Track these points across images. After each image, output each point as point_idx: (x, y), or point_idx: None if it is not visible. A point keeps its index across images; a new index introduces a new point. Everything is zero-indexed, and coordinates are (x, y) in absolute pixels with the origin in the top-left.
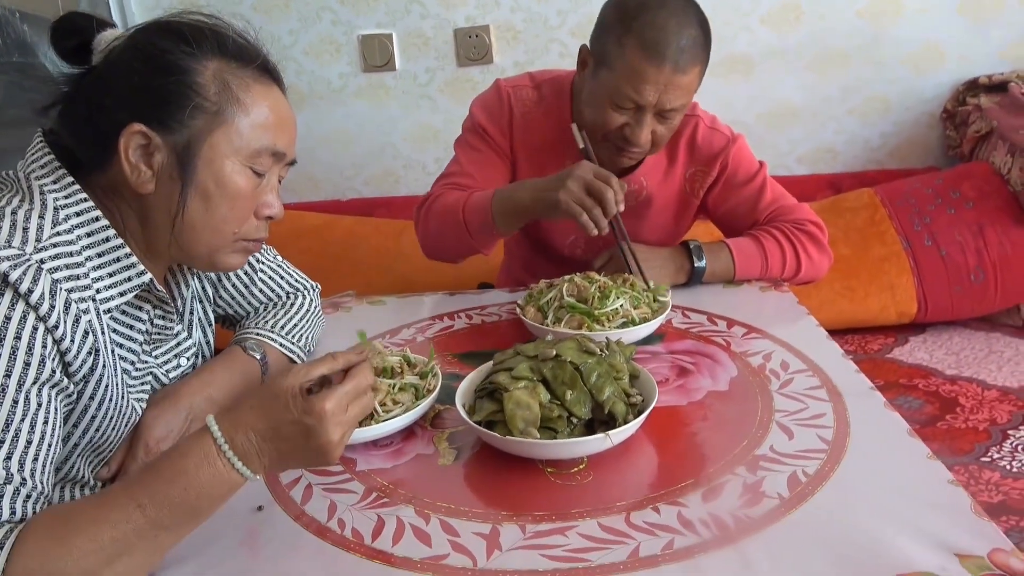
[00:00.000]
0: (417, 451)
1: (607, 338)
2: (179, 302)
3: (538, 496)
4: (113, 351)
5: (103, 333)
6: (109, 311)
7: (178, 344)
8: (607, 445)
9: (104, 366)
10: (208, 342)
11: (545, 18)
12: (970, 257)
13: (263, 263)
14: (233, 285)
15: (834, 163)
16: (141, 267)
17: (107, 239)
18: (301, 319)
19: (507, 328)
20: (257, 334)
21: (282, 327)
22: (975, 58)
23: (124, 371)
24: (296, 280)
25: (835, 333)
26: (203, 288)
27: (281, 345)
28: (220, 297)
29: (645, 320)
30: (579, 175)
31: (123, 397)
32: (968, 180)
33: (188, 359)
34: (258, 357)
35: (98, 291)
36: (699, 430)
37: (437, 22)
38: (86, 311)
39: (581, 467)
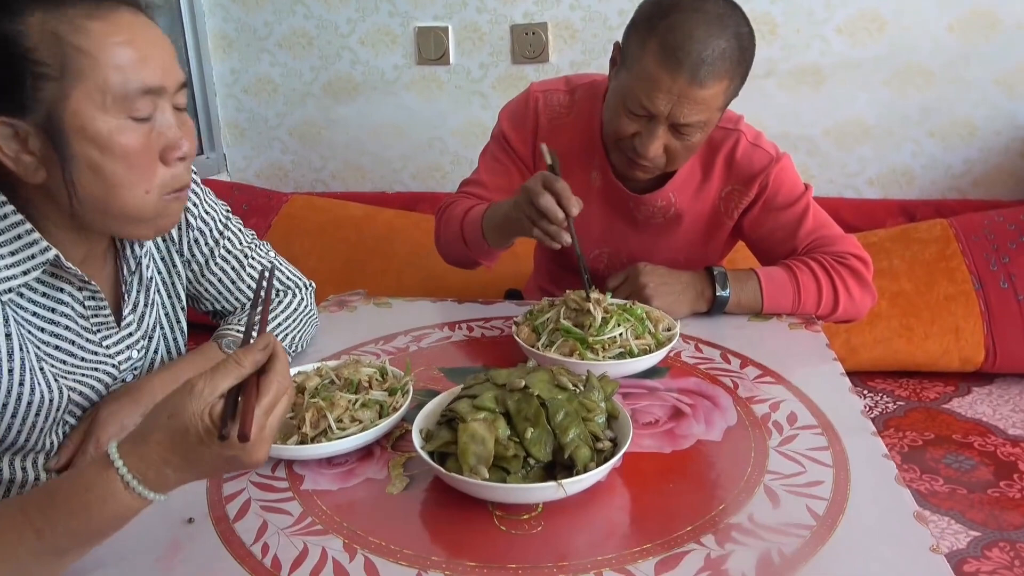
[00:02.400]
0: (369, 474)
1: (588, 372)
2: (124, 289)
3: (478, 542)
4: (20, 334)
5: (2, 308)
6: (12, 290)
7: (130, 335)
8: (559, 495)
9: (8, 337)
10: (175, 338)
11: (605, 17)
12: None
13: (252, 257)
14: (219, 279)
15: (909, 188)
16: (44, 244)
17: (4, 216)
18: (287, 318)
19: (505, 344)
20: (237, 331)
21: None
22: None
23: (49, 355)
24: (288, 277)
25: (888, 375)
26: (172, 281)
27: None
28: (206, 291)
29: (645, 352)
30: (525, 185)
31: (40, 383)
32: None
33: (139, 351)
34: None
35: None
36: (676, 484)
37: (494, 17)
38: None
39: (534, 513)
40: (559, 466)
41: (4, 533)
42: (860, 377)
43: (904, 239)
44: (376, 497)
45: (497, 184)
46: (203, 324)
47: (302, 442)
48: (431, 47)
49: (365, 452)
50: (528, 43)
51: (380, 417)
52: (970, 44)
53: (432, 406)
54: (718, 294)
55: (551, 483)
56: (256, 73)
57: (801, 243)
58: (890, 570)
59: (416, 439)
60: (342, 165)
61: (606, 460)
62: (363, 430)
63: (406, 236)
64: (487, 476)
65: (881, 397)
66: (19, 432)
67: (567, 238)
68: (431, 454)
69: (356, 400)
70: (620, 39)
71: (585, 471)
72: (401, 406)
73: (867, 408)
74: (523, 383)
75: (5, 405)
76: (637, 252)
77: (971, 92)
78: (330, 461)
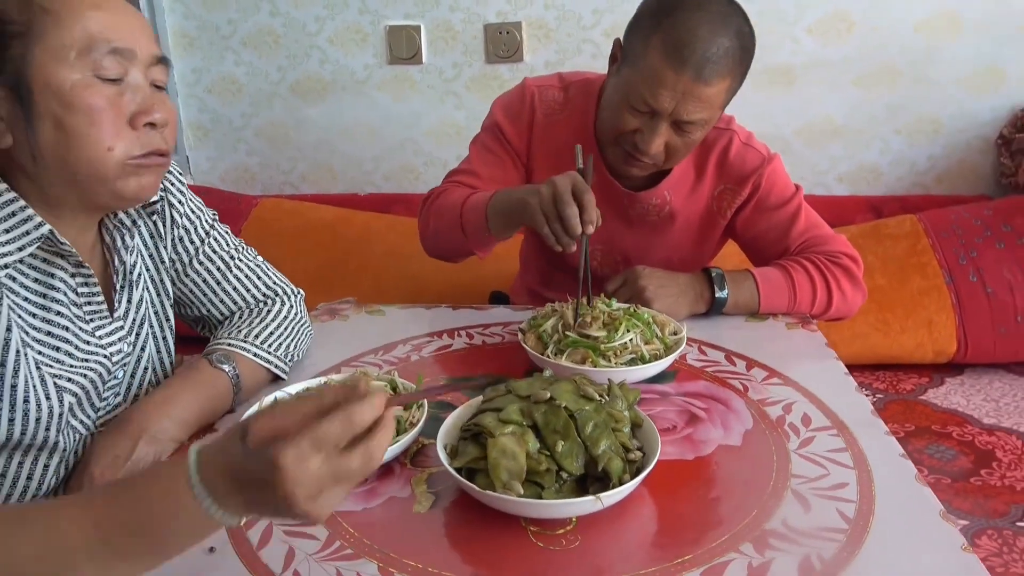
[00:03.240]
0: (392, 493)
1: (609, 380)
2: (115, 279)
3: (515, 559)
4: (17, 313)
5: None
6: (7, 267)
7: (121, 327)
8: (596, 508)
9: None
10: (164, 336)
11: (579, 17)
12: (1019, 297)
13: (239, 260)
14: (203, 279)
15: (877, 185)
16: (39, 219)
17: None
18: (279, 326)
19: (509, 352)
20: (229, 344)
21: (256, 335)
22: None
23: (37, 340)
24: (275, 283)
25: (866, 369)
26: (160, 278)
27: (255, 355)
28: (191, 292)
29: (656, 357)
30: (555, 181)
31: (25, 365)
32: (1021, 213)
33: (130, 344)
34: (226, 369)
35: None
36: (705, 492)
37: (467, 16)
38: None
39: (569, 528)
40: (591, 478)
41: (62, 520)
42: None
43: (875, 235)
44: (403, 517)
45: (491, 175)
46: (195, 338)
47: None
48: (403, 46)
49: (384, 469)
50: (502, 42)
51: (397, 433)
52: (935, 45)
53: (452, 420)
54: (717, 295)
55: (589, 497)
56: (220, 72)
57: (794, 243)
58: (928, 572)
59: (442, 456)
60: (311, 167)
61: (638, 470)
62: None
63: (382, 238)
64: (522, 492)
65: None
66: (30, 427)
67: (573, 247)
68: (458, 470)
69: None
70: (621, 36)
71: (620, 483)
72: (419, 420)
73: None
74: (548, 394)
75: (17, 390)
76: (631, 250)
77: (936, 91)
78: None
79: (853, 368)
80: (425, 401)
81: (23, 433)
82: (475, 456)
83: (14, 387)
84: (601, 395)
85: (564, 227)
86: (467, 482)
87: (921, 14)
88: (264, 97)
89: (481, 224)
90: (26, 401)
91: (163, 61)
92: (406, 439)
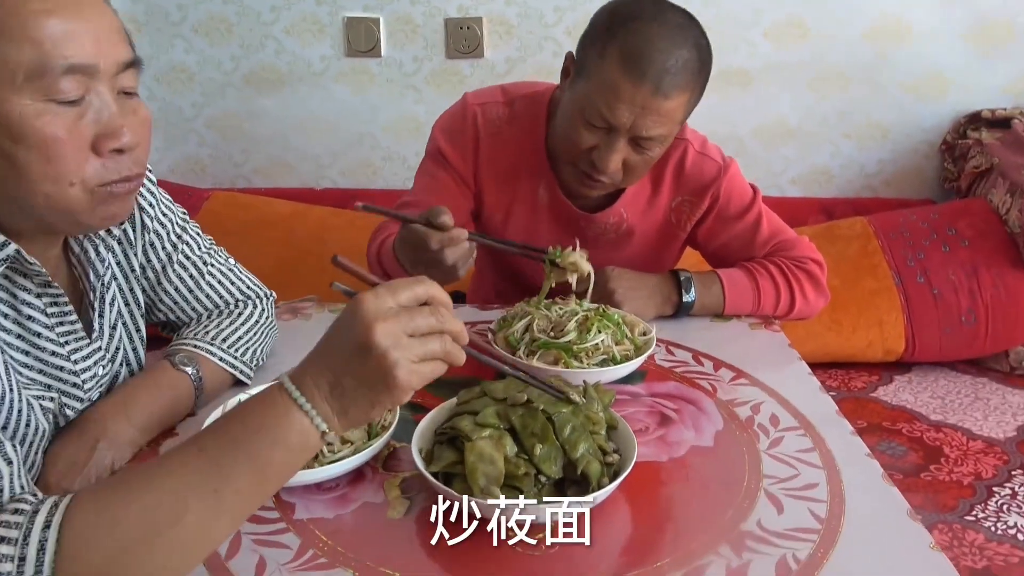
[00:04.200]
0: (365, 498)
1: (584, 382)
2: (91, 297)
3: (492, 565)
4: None
5: None
6: None
7: (99, 348)
8: (583, 511)
9: None
10: (135, 348)
11: (541, 14)
12: (963, 298)
13: (212, 264)
14: (176, 288)
15: (828, 187)
16: (2, 237)
17: None
18: (248, 331)
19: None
20: (194, 346)
21: (223, 339)
22: (979, 90)
23: (10, 364)
24: (248, 287)
25: (818, 367)
26: (131, 287)
27: (220, 359)
28: (161, 300)
29: (627, 358)
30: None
31: (10, 389)
32: (965, 217)
33: (105, 367)
34: (189, 372)
35: None
36: (679, 493)
37: (428, 9)
38: None
39: (546, 532)
40: (569, 482)
41: (169, 458)
42: None
43: (829, 236)
44: (378, 523)
45: (425, 202)
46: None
47: None
48: (361, 38)
49: (356, 474)
50: (463, 37)
51: (369, 436)
52: (883, 50)
53: (426, 423)
54: (684, 300)
55: (574, 499)
56: (169, 60)
57: (759, 251)
58: (898, 571)
59: (418, 461)
60: (265, 160)
61: (615, 473)
62: (355, 452)
63: (340, 235)
64: (500, 496)
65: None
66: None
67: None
68: (435, 475)
69: None
70: (573, 49)
71: (599, 486)
72: (390, 424)
73: None
74: (525, 396)
75: None
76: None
77: (884, 96)
78: (320, 486)
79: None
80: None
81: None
82: (452, 460)
83: (4, 409)
84: (580, 396)
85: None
86: (446, 488)
87: (869, 21)
88: (216, 87)
89: (399, 269)
90: (28, 425)
91: (134, 64)
92: (378, 443)
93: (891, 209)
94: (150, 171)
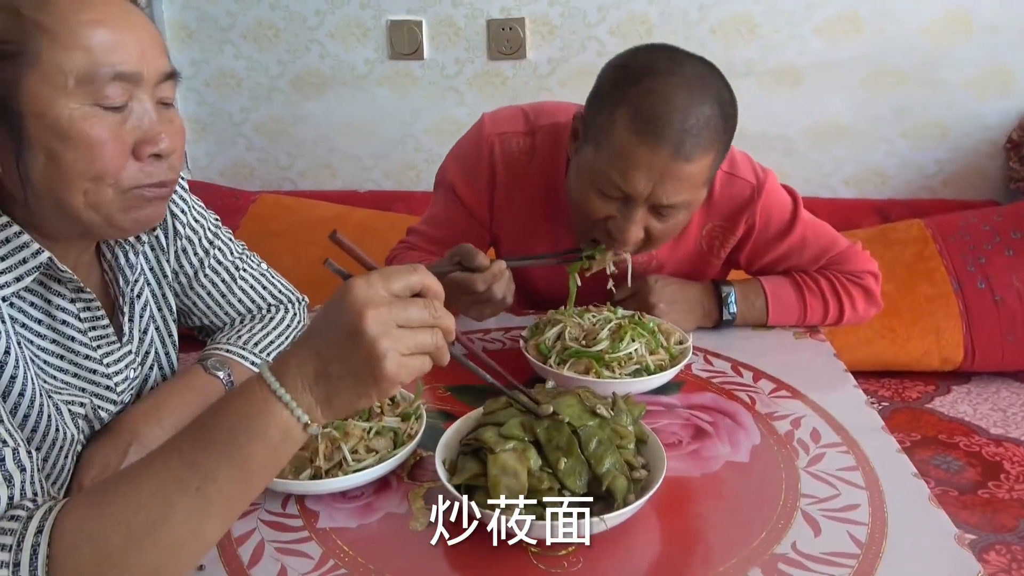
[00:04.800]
0: (388, 508)
1: (614, 394)
2: (121, 302)
3: None
4: (20, 343)
5: (3, 322)
6: (6, 299)
7: (130, 352)
8: (600, 529)
9: (7, 352)
10: (168, 352)
11: (584, 13)
12: None
13: (244, 269)
14: (208, 292)
15: (883, 188)
16: (36, 246)
17: None
18: (280, 335)
19: (509, 359)
20: (227, 350)
21: (256, 343)
22: None
23: (43, 369)
24: (280, 291)
25: (871, 376)
26: (163, 292)
27: (253, 364)
28: (194, 305)
29: (661, 368)
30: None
31: (40, 394)
32: None
33: (136, 369)
34: (221, 377)
35: None
36: (711, 512)
37: (470, 11)
38: None
39: (571, 549)
40: (595, 497)
41: (151, 461)
42: None
43: (883, 240)
44: (399, 534)
45: (445, 238)
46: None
47: (315, 476)
48: (404, 41)
49: (381, 483)
50: (505, 39)
51: (395, 445)
52: (943, 46)
53: (451, 433)
54: (724, 316)
55: (595, 519)
56: (219, 66)
57: (811, 268)
58: None
59: (441, 472)
60: (310, 163)
61: (643, 489)
62: (380, 461)
63: (381, 237)
64: (523, 511)
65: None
66: (45, 459)
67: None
68: (457, 487)
69: (370, 428)
70: (616, 47)
71: (625, 503)
72: (416, 432)
73: None
74: (551, 408)
75: (24, 417)
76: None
77: (943, 94)
78: (345, 495)
79: (858, 375)
80: (423, 412)
81: (45, 460)
82: (475, 473)
83: (33, 415)
84: (607, 409)
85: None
86: (469, 502)
87: (929, 16)
88: (263, 91)
89: None
90: (57, 430)
91: (172, 76)
92: (404, 452)
93: (951, 211)
94: (183, 178)
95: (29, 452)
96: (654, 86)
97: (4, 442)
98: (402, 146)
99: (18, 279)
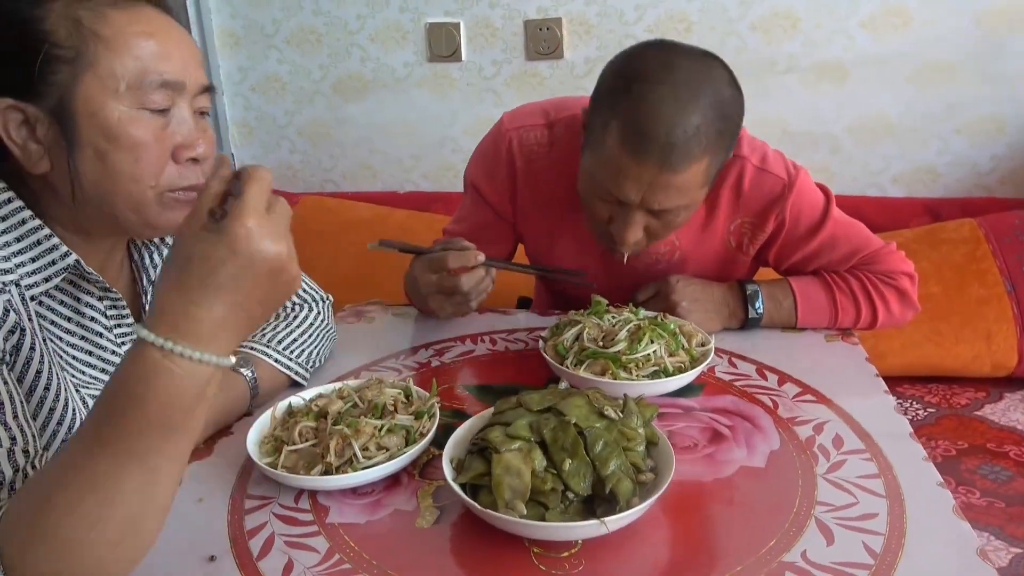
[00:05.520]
0: (397, 505)
1: (625, 395)
2: (144, 300)
3: None
4: (45, 340)
5: (31, 320)
6: (35, 298)
7: None
8: (601, 532)
9: (32, 348)
10: None
11: (621, 12)
12: None
13: None
14: None
15: (934, 186)
16: (64, 248)
17: (23, 221)
18: (303, 333)
19: (531, 359)
20: (251, 348)
21: (279, 341)
22: None
23: (71, 364)
24: (304, 290)
25: (917, 381)
26: None
27: (276, 360)
28: None
29: (680, 370)
30: (419, 285)
31: (65, 389)
32: None
33: None
34: (245, 374)
35: (20, 276)
36: (721, 516)
37: (507, 12)
38: (3, 291)
39: (574, 551)
40: (599, 499)
41: (71, 444)
42: (888, 383)
43: (931, 240)
44: (405, 531)
45: (473, 236)
46: None
47: (327, 472)
48: (442, 43)
49: (392, 480)
50: (542, 39)
51: (407, 443)
52: (998, 37)
53: (462, 432)
54: (750, 316)
55: (593, 521)
56: (264, 71)
57: (842, 268)
58: None
59: (447, 470)
60: (352, 164)
61: (648, 493)
62: (390, 458)
63: (419, 238)
64: (524, 512)
65: (911, 404)
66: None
67: (490, 280)
68: (463, 486)
69: (382, 426)
70: (613, 67)
71: (628, 506)
72: (428, 431)
73: None
74: (559, 409)
75: (50, 411)
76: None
77: (998, 87)
78: (355, 491)
79: (904, 380)
80: (437, 410)
81: (59, 423)
82: (480, 472)
83: (59, 409)
84: (616, 411)
85: (464, 295)
86: (469, 499)
87: (982, 7)
88: (306, 95)
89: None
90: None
91: (208, 89)
92: (414, 450)
93: (1007, 210)
94: None
95: (26, 451)
96: (643, 95)
97: None
98: (440, 147)
99: (47, 279)
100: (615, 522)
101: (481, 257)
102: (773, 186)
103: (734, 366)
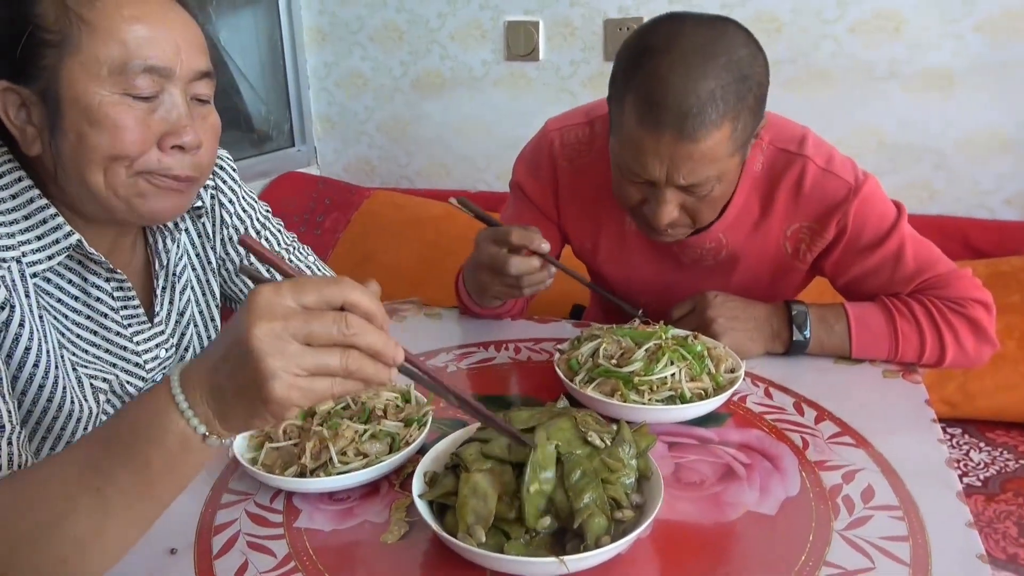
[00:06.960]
0: (369, 516)
1: (620, 421)
2: (155, 284)
3: None
4: (42, 317)
5: (27, 296)
6: (36, 275)
7: (161, 332)
8: (560, 572)
9: (22, 325)
10: (210, 336)
11: (703, 10)
12: None
13: (292, 260)
14: (245, 282)
15: None
16: (68, 228)
17: (31, 200)
18: None
19: (548, 372)
20: None
21: None
22: None
23: (74, 342)
24: None
25: (1012, 427)
26: (207, 279)
27: None
28: (241, 292)
29: (700, 397)
30: (482, 258)
31: (56, 367)
32: None
33: (168, 350)
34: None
35: (24, 253)
36: (713, 568)
37: (587, 11)
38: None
39: None
40: (569, 533)
41: (61, 459)
42: (977, 427)
43: None
44: (369, 544)
45: None
46: None
47: (301, 474)
48: (520, 42)
49: (370, 489)
50: (622, 39)
51: (391, 451)
52: None
53: (443, 445)
54: (795, 338)
55: (551, 559)
56: (348, 67)
57: (902, 289)
58: None
59: (417, 484)
60: (427, 162)
61: (624, 533)
62: (366, 465)
63: None
64: (483, 540)
65: (1000, 453)
66: (48, 424)
67: (548, 275)
68: (430, 503)
69: (365, 431)
70: (627, 45)
71: (596, 545)
72: (415, 440)
73: (982, 465)
74: (535, 440)
75: (39, 388)
76: (687, 296)
77: None
78: (332, 496)
79: (996, 425)
80: (429, 419)
81: (63, 430)
82: (448, 490)
83: (48, 386)
84: (603, 438)
85: (524, 280)
86: (433, 517)
87: None
88: (386, 92)
89: (474, 304)
90: (72, 402)
91: (207, 75)
92: (395, 459)
93: None
94: (234, 169)
95: (1, 426)
96: (653, 67)
97: None
98: (514, 148)
99: (49, 258)
100: (576, 562)
101: (546, 246)
102: (837, 189)
103: (770, 396)
